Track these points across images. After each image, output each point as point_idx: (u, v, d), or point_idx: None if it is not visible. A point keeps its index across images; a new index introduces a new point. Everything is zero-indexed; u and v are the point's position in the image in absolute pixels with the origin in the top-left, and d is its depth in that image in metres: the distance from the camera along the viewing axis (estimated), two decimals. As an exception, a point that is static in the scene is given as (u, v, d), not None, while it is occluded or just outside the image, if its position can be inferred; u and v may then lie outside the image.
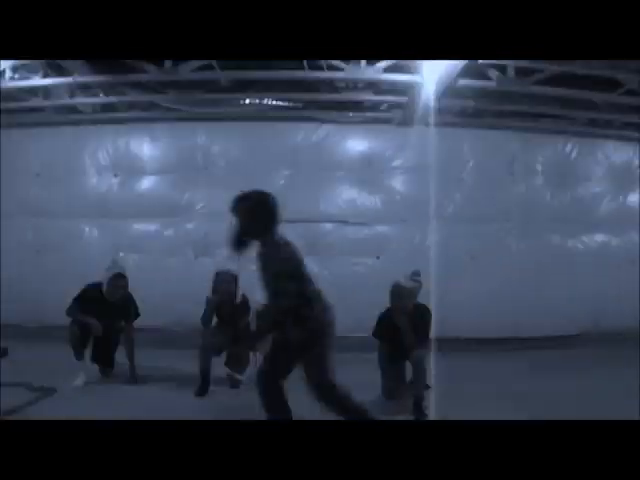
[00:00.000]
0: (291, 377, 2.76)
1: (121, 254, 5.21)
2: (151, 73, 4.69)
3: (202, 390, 3.91)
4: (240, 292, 4.14)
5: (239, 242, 2.83)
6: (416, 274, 3.78)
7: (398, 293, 3.67)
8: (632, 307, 5.81)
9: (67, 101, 5.45)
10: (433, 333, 4.85)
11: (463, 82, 4.68)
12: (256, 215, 2.89)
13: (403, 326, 3.63)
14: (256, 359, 4.02)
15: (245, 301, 4.15)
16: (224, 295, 4.09)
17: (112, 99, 5.38)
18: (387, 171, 5.80)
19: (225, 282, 4.08)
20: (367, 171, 5.79)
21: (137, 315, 4.23)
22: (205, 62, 4.59)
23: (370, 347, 4.02)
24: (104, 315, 4.00)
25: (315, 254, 5.72)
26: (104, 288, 4.10)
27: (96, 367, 4.23)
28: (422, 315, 3.71)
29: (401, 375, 3.88)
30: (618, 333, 5.85)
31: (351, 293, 5.62)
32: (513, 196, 5.91)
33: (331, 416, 2.79)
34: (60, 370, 4.11)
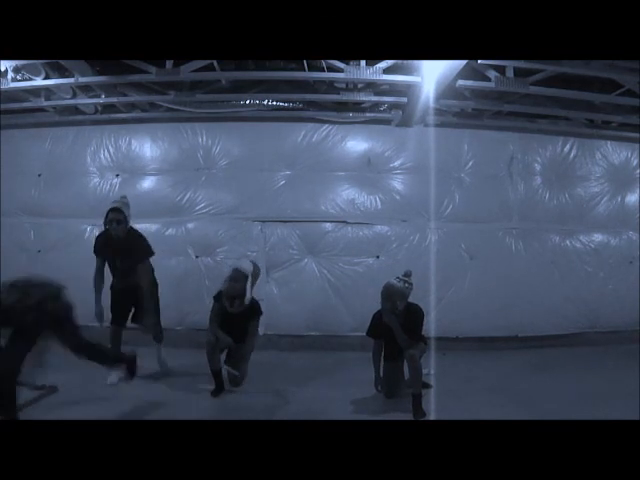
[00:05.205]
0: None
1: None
2: (152, 74, 4.69)
3: (217, 391, 3.93)
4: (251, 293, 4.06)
5: None
6: (407, 275, 3.79)
7: (387, 293, 3.68)
8: (631, 306, 5.83)
9: (68, 102, 5.45)
10: (433, 333, 4.88)
11: (462, 82, 4.69)
12: None
13: (393, 326, 3.64)
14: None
15: (254, 303, 4.13)
16: (232, 292, 4.04)
17: (113, 100, 5.38)
18: (387, 171, 5.81)
19: (234, 279, 4.03)
20: (367, 171, 5.80)
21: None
22: (206, 62, 4.60)
23: (370, 346, 4.02)
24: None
25: (315, 254, 5.75)
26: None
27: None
28: (413, 315, 3.72)
29: (399, 373, 3.89)
30: (617, 332, 5.87)
31: (351, 293, 5.65)
32: (512, 196, 5.92)
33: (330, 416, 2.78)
34: (61, 369, 4.11)
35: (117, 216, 4.13)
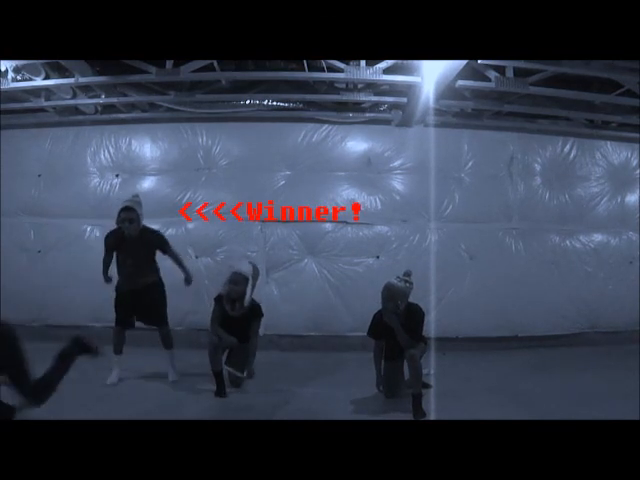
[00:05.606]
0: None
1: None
2: (152, 74, 4.70)
3: (220, 391, 3.92)
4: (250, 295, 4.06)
5: None
6: (407, 274, 3.79)
7: (389, 293, 3.68)
8: (631, 306, 5.84)
9: (69, 102, 5.46)
10: (433, 333, 4.89)
11: (462, 83, 4.70)
12: None
13: (395, 326, 3.64)
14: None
15: (255, 305, 4.14)
16: (233, 295, 4.03)
17: (113, 100, 5.38)
18: (387, 171, 5.81)
19: (234, 282, 4.01)
20: (367, 171, 5.80)
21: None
22: (206, 62, 4.60)
23: (371, 346, 4.02)
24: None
25: (315, 254, 5.75)
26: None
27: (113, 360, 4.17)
28: (413, 315, 3.72)
29: (399, 373, 3.89)
30: (617, 332, 5.87)
31: (351, 293, 5.65)
32: (512, 196, 5.92)
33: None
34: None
35: (130, 215, 4.09)
